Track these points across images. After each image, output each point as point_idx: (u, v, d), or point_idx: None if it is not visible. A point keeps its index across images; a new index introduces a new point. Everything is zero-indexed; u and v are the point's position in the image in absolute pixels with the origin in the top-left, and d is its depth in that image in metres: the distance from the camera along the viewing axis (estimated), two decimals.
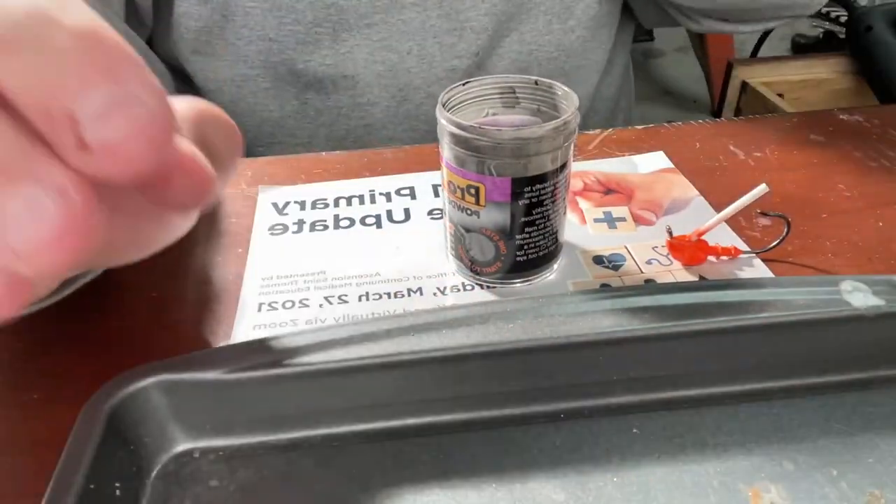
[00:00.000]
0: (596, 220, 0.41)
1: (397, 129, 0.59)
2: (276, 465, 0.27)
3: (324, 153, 0.49)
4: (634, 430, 0.28)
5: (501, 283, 0.36)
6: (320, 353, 0.27)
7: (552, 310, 0.29)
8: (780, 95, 1.06)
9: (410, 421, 0.28)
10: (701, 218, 0.39)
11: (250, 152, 0.61)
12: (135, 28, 0.55)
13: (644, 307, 0.29)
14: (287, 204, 0.43)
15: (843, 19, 1.48)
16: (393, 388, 0.28)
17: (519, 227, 0.33)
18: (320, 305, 0.35)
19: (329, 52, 0.56)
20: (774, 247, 0.37)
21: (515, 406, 0.28)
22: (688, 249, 0.37)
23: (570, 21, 0.58)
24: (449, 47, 0.57)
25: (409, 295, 0.36)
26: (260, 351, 0.27)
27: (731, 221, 0.39)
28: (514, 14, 0.57)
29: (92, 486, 0.23)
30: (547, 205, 0.33)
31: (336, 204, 0.43)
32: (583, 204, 0.42)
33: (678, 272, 0.36)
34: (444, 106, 0.33)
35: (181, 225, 0.23)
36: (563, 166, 0.33)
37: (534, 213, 0.33)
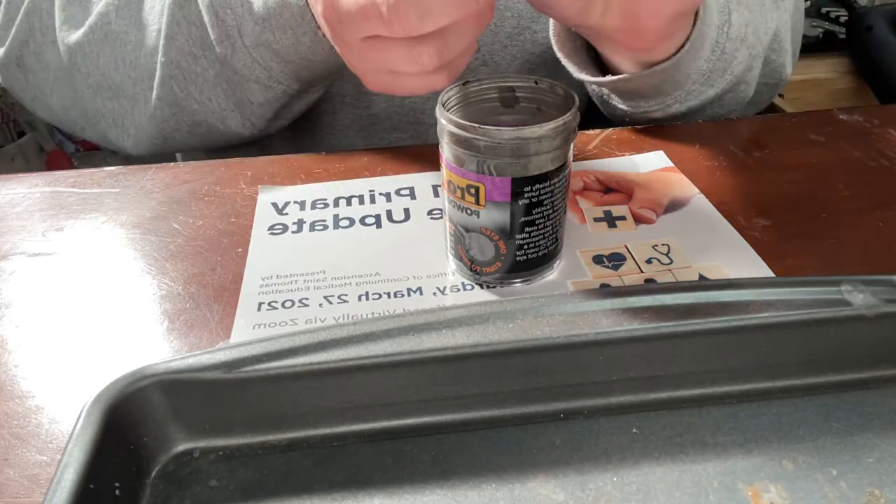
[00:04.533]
0: (596, 219, 0.41)
1: (401, 121, 0.59)
2: (276, 465, 0.27)
3: (323, 153, 0.49)
4: (634, 430, 0.28)
5: (501, 283, 0.36)
6: (320, 352, 0.27)
7: (552, 310, 0.29)
8: (781, 95, 1.06)
9: (410, 421, 0.28)
10: (701, 216, 0.38)
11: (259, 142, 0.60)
12: None
13: (644, 307, 0.29)
14: (287, 204, 0.43)
15: (843, 19, 1.48)
16: (393, 388, 0.28)
17: (519, 226, 0.33)
18: (320, 305, 0.35)
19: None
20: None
21: (515, 406, 0.28)
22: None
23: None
24: None
25: (409, 295, 0.36)
26: (260, 351, 0.27)
27: (732, 221, 0.39)
28: (524, 12, 0.57)
29: (92, 486, 0.23)
30: (547, 205, 0.33)
31: (336, 204, 0.43)
32: (583, 203, 0.42)
33: (678, 272, 0.36)
34: (443, 106, 0.33)
35: None
36: (563, 166, 0.33)
37: (534, 212, 0.33)
